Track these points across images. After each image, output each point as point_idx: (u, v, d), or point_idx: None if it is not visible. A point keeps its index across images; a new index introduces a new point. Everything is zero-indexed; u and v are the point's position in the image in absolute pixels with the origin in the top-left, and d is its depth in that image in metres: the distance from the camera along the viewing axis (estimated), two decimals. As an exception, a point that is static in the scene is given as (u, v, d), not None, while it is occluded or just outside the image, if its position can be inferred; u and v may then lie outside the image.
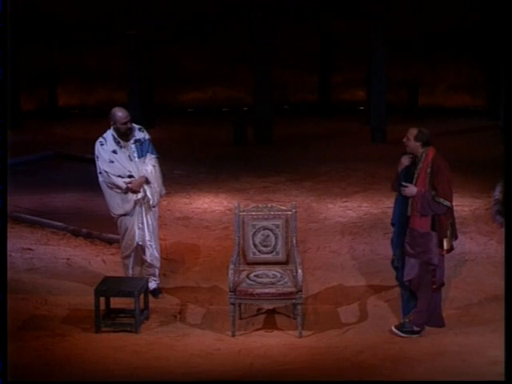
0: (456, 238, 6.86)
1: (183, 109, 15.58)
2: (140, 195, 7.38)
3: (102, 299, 6.98)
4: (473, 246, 8.64)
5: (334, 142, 13.47)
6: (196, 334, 6.84)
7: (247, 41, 13.95)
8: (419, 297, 6.76)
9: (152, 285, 7.55)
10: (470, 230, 9.03)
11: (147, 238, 7.47)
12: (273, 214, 7.23)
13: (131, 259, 7.54)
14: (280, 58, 14.59)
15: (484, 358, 6.24)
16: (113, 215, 7.54)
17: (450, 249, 6.77)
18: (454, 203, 6.79)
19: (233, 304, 6.80)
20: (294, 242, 7.18)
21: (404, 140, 6.75)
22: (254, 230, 7.21)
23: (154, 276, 7.59)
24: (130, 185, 7.33)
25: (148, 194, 7.39)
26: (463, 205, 9.74)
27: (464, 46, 15.12)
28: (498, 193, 10.23)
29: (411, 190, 6.65)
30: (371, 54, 13.47)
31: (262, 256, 7.21)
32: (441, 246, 6.70)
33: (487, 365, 6.15)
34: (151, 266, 7.54)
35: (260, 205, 7.38)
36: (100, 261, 8.42)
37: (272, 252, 7.21)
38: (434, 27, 15.09)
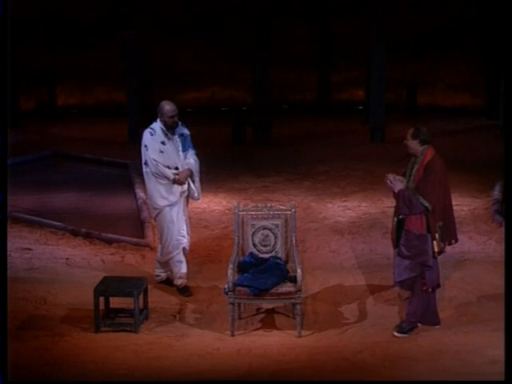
0: (450, 242, 6.76)
1: (182, 108, 15.54)
2: (186, 187, 7.47)
3: (102, 299, 6.97)
4: (472, 245, 8.64)
5: (333, 141, 13.47)
6: (195, 334, 6.84)
7: (246, 40, 13.95)
8: (412, 297, 6.75)
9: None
10: (469, 229, 9.03)
11: (186, 230, 7.58)
12: (272, 213, 7.24)
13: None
14: (279, 58, 14.60)
15: (483, 358, 6.24)
16: (155, 206, 7.55)
17: (440, 252, 6.72)
18: (453, 203, 6.78)
19: (232, 304, 6.80)
20: (294, 241, 7.18)
21: (404, 141, 6.73)
22: (253, 229, 7.21)
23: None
24: (177, 176, 7.41)
25: (192, 186, 7.51)
26: (462, 204, 9.75)
27: (463, 45, 15.13)
28: (497, 192, 10.23)
29: (398, 185, 6.57)
30: (370, 53, 13.48)
31: (262, 255, 7.20)
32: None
33: (486, 364, 6.15)
34: (184, 252, 7.65)
35: (259, 204, 7.39)
36: (99, 260, 8.42)
37: (271, 252, 7.21)
38: (432, 27, 15.10)
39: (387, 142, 13.12)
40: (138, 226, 9.40)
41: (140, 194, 10.38)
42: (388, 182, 6.65)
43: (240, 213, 7.23)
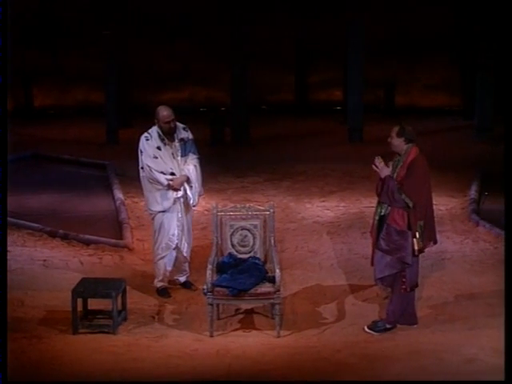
0: (429, 243, 6.80)
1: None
2: (180, 193, 7.42)
3: (80, 300, 6.95)
4: (449, 244, 8.69)
5: (311, 141, 13.51)
6: (174, 335, 6.83)
7: (224, 41, 13.95)
8: (392, 296, 6.79)
9: (183, 278, 7.67)
10: (446, 228, 9.08)
11: (185, 238, 7.53)
12: (251, 214, 7.24)
13: (166, 260, 7.52)
14: (257, 59, 14.61)
15: (460, 356, 6.28)
16: (150, 211, 7.56)
17: (420, 250, 6.75)
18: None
19: (211, 304, 6.80)
20: (272, 241, 7.19)
21: (388, 139, 6.73)
22: (231, 230, 7.22)
23: (186, 270, 7.68)
24: (171, 182, 7.36)
25: (188, 193, 7.45)
26: (439, 204, 9.80)
27: (439, 46, 15.23)
28: (473, 192, 10.31)
29: (384, 171, 6.59)
30: (348, 54, 13.52)
31: (240, 256, 7.21)
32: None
33: (463, 363, 6.19)
34: (186, 261, 7.62)
35: (238, 205, 7.39)
36: (77, 262, 8.39)
37: (250, 252, 7.21)
38: (409, 28, 15.18)
39: (365, 142, 13.18)
40: (116, 227, 9.38)
41: (118, 195, 10.35)
42: (373, 166, 6.63)
43: (218, 213, 7.23)
